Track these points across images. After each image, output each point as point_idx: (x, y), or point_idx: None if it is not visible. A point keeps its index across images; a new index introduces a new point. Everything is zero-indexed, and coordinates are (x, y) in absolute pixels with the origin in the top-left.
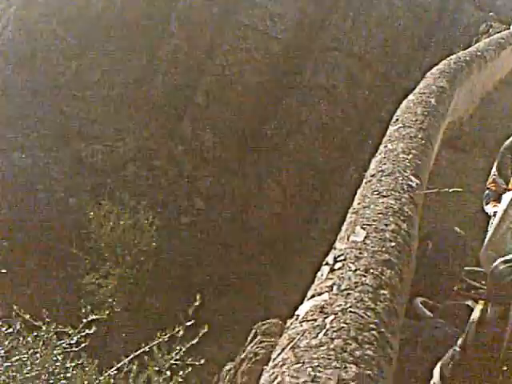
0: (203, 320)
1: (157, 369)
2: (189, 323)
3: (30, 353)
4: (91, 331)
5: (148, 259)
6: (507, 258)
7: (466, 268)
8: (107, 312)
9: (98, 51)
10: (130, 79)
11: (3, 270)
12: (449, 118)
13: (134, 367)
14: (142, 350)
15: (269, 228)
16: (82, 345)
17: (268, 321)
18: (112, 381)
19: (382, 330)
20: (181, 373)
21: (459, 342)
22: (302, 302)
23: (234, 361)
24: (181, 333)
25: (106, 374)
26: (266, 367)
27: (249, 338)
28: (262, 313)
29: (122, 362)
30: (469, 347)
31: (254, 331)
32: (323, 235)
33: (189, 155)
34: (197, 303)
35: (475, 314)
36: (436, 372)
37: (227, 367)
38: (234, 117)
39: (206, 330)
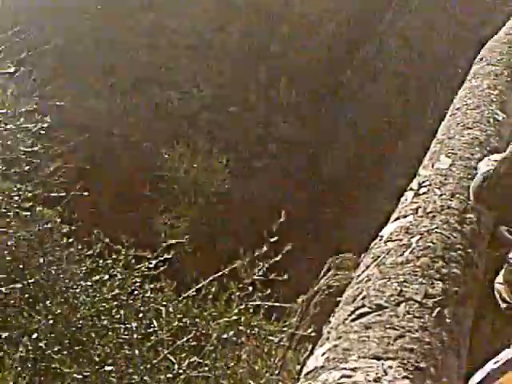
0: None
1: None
2: (272, 239)
3: (109, 274)
4: (169, 256)
5: (220, 202)
6: None
7: None
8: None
9: (176, 0)
10: (206, 27)
11: (85, 193)
12: None
13: (213, 289)
14: (222, 272)
15: (341, 172)
16: (161, 268)
17: (342, 255)
18: (190, 303)
19: (469, 250)
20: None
21: None
22: (374, 239)
23: (307, 293)
24: (264, 249)
25: (185, 294)
26: (343, 294)
27: (322, 272)
28: (333, 253)
29: (200, 284)
30: None
31: (327, 265)
32: (393, 180)
33: (263, 101)
34: (282, 219)
35: None
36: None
37: (300, 299)
38: (310, 65)
39: (289, 247)
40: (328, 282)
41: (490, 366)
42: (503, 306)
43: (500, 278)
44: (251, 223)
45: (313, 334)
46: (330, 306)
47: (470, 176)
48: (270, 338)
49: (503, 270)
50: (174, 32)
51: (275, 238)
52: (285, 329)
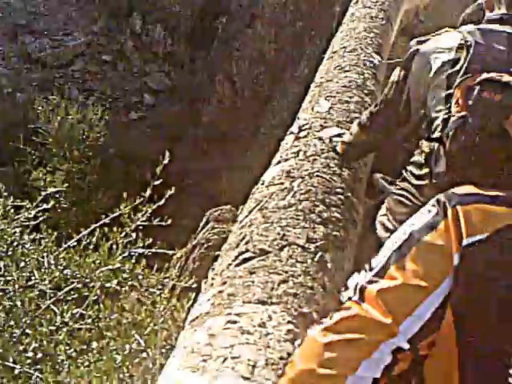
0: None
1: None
2: (157, 182)
3: None
4: (49, 206)
5: (96, 154)
6: None
7: None
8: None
9: None
10: None
11: None
12: (406, 4)
13: (94, 239)
14: (103, 221)
15: (219, 123)
16: (40, 219)
17: (220, 207)
18: (72, 254)
19: (348, 194)
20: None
21: None
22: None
23: (183, 249)
24: (148, 192)
25: (66, 245)
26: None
27: (201, 225)
28: (212, 206)
29: (81, 234)
30: None
31: (206, 217)
32: (272, 130)
33: (139, 50)
34: (165, 161)
35: None
36: None
37: (178, 254)
38: (185, 11)
39: (172, 192)
40: (206, 235)
41: None
42: (386, 236)
43: (382, 210)
44: (128, 176)
45: (194, 286)
46: (209, 261)
47: (348, 119)
48: (152, 290)
49: (385, 203)
50: None
51: (159, 181)
52: (166, 280)
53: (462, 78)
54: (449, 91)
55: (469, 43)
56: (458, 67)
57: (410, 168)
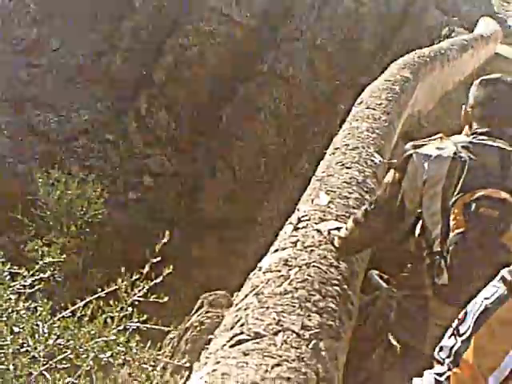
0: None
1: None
2: (155, 260)
3: None
4: (46, 275)
5: (93, 231)
6: None
7: None
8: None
9: (59, 19)
10: (89, 51)
11: None
12: (409, 109)
13: (89, 311)
14: (99, 294)
15: (216, 211)
16: (36, 287)
17: (215, 292)
18: (65, 324)
19: (344, 286)
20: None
21: None
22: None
23: (177, 329)
24: (146, 269)
25: (61, 315)
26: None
27: (195, 308)
28: (203, 293)
29: (77, 305)
30: None
31: (200, 301)
32: (269, 222)
33: (142, 132)
34: (165, 240)
35: None
36: None
37: (170, 335)
38: (191, 98)
39: (170, 271)
40: (200, 318)
41: None
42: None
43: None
44: (123, 255)
45: (186, 365)
46: (202, 343)
47: (347, 214)
48: (144, 366)
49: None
50: (56, 52)
51: (157, 259)
52: (159, 357)
53: (459, 195)
54: (444, 204)
55: (463, 159)
56: (453, 181)
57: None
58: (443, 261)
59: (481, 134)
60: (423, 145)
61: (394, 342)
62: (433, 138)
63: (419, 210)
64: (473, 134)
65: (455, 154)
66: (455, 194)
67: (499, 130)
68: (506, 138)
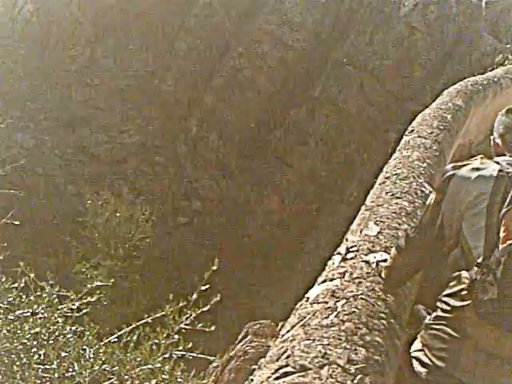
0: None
1: (165, 335)
2: (204, 288)
3: (31, 311)
4: (93, 299)
5: (140, 254)
6: None
7: None
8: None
9: (113, 39)
10: (142, 71)
11: (16, 222)
12: (460, 139)
13: (135, 337)
14: (146, 320)
15: (263, 237)
16: (84, 311)
17: (260, 321)
18: (111, 349)
19: (392, 320)
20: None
21: None
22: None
23: (222, 358)
24: (194, 296)
25: (107, 340)
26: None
27: (239, 337)
28: (248, 321)
29: (123, 330)
30: None
31: (245, 330)
32: (317, 251)
33: (192, 155)
34: (214, 267)
35: None
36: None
37: (214, 364)
38: (241, 121)
39: (218, 299)
40: (244, 348)
41: None
42: (424, 371)
43: (417, 346)
44: (169, 280)
45: None
46: (245, 373)
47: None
48: None
49: (419, 337)
50: (109, 72)
51: (207, 286)
52: None
53: (509, 208)
54: (490, 221)
55: (510, 174)
56: (499, 197)
57: (446, 299)
58: (491, 275)
59: None
60: (464, 165)
61: (419, 368)
62: (473, 159)
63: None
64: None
65: (501, 170)
66: (505, 206)
67: None
68: None
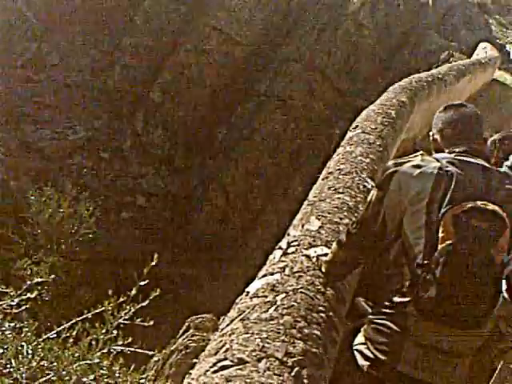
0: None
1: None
2: (143, 283)
3: None
4: (33, 295)
5: (83, 250)
6: None
7: None
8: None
9: (59, 35)
10: (88, 67)
11: None
12: (405, 134)
13: (74, 332)
14: (86, 315)
15: (208, 233)
16: (23, 307)
17: (202, 315)
18: (49, 345)
19: (330, 313)
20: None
21: None
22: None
23: (162, 352)
24: (133, 291)
25: (46, 336)
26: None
27: (181, 331)
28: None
29: (62, 326)
30: None
31: (186, 324)
32: (261, 246)
33: (137, 151)
34: (153, 263)
35: None
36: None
37: (155, 358)
38: (188, 117)
39: (157, 294)
40: (185, 342)
41: None
42: (366, 364)
43: (360, 339)
44: (113, 276)
45: None
46: (186, 367)
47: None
48: None
49: (362, 330)
50: (55, 67)
51: (145, 282)
52: (142, 381)
53: (448, 207)
54: (429, 219)
55: (450, 173)
56: (439, 195)
57: (388, 295)
58: (430, 274)
59: (459, 152)
60: (404, 162)
61: (361, 361)
62: (413, 155)
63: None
64: (451, 152)
65: (441, 168)
66: (444, 206)
67: (473, 148)
68: (481, 155)
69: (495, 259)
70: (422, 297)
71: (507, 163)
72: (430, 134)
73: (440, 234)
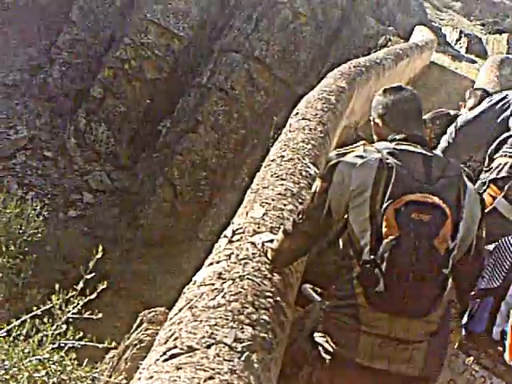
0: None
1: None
2: (89, 276)
3: None
4: None
5: (32, 250)
6: None
7: None
8: None
9: None
10: (26, 66)
11: None
12: (346, 120)
13: (24, 330)
14: (35, 312)
15: (157, 227)
16: None
17: (155, 309)
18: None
19: (278, 298)
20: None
21: None
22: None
23: (118, 348)
24: (80, 285)
25: None
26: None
27: (134, 326)
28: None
29: (12, 324)
30: None
31: (140, 319)
32: (210, 237)
33: (81, 148)
34: (99, 255)
35: None
36: None
37: (110, 354)
38: (130, 112)
39: (104, 286)
40: (139, 336)
41: None
42: (328, 357)
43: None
44: (63, 274)
45: (124, 382)
46: (141, 361)
47: (281, 225)
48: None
49: (321, 324)
50: None
51: (92, 275)
52: (96, 375)
53: (389, 202)
54: (372, 211)
55: (390, 165)
56: (381, 188)
57: (339, 287)
58: (377, 269)
59: (399, 140)
60: (347, 153)
61: (323, 354)
62: (355, 145)
63: (344, 220)
64: (392, 140)
65: (381, 160)
66: (385, 200)
67: (413, 134)
68: (421, 141)
69: (439, 250)
70: (371, 291)
71: (437, 151)
72: (371, 118)
73: (383, 229)
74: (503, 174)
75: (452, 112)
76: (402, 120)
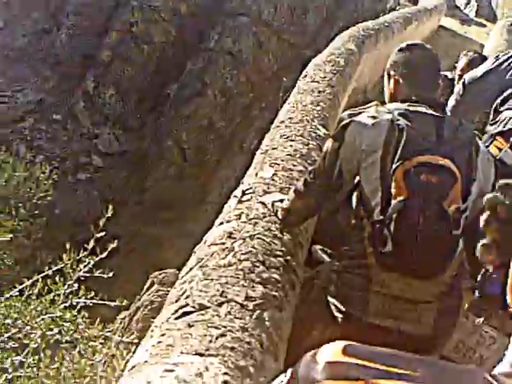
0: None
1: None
2: (99, 235)
3: None
4: None
5: (42, 213)
6: None
7: None
8: None
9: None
10: (33, 30)
11: None
12: (355, 83)
13: (36, 289)
14: (46, 272)
15: (166, 190)
16: None
17: (165, 270)
18: (10, 302)
19: (288, 257)
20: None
21: None
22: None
23: (129, 309)
24: (91, 244)
25: (8, 295)
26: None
27: (145, 287)
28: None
29: (24, 284)
30: None
31: (150, 280)
32: (219, 200)
33: (89, 111)
34: (109, 214)
35: None
36: None
37: (122, 315)
38: (138, 76)
39: (115, 245)
40: (150, 297)
41: None
42: (340, 316)
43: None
44: (73, 237)
45: (136, 341)
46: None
47: (291, 186)
48: (93, 343)
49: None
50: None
51: (102, 234)
52: (108, 334)
53: (399, 163)
54: (383, 172)
55: (401, 127)
56: (391, 149)
57: (350, 247)
58: (386, 229)
59: (411, 101)
60: (359, 113)
61: (336, 313)
62: (367, 106)
63: (356, 180)
64: (404, 101)
65: (392, 121)
66: (395, 161)
67: (427, 96)
68: (434, 104)
69: (448, 211)
70: (380, 251)
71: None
72: (391, 74)
73: (392, 190)
74: (510, 126)
75: (449, 75)
76: (422, 79)
